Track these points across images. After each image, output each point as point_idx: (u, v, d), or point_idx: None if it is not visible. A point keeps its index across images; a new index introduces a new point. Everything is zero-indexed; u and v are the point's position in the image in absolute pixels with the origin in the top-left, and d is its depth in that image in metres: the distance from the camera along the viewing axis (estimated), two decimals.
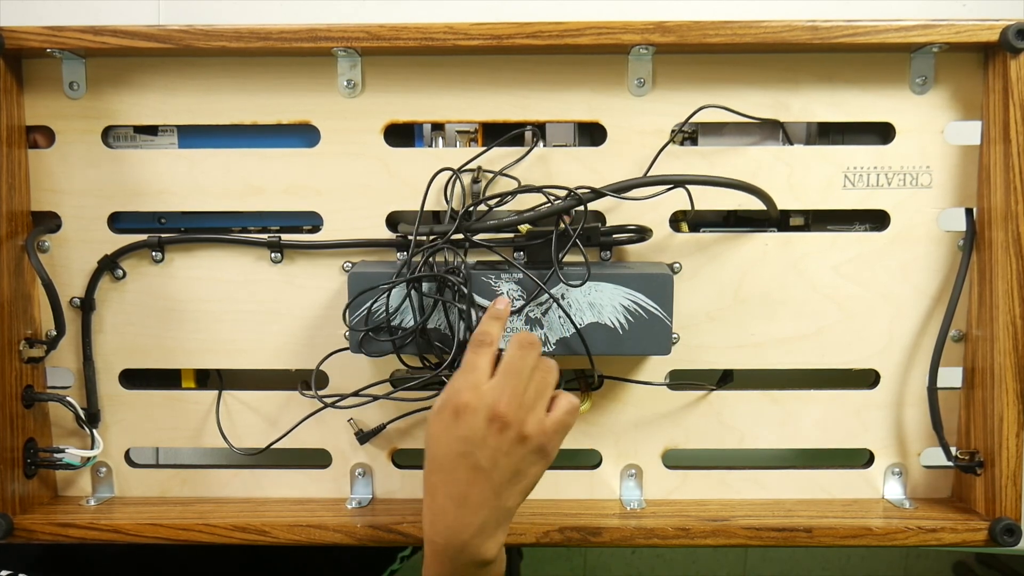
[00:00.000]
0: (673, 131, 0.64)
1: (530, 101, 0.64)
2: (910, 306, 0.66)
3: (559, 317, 0.61)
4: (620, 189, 0.60)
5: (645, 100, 0.64)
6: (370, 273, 0.61)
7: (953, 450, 0.65)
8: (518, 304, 0.60)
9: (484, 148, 0.64)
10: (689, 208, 0.63)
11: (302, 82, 0.64)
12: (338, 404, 0.64)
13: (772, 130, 0.65)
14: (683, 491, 0.68)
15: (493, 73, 0.64)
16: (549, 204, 0.60)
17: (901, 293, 0.65)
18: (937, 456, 0.66)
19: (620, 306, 0.61)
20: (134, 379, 0.68)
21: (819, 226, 0.66)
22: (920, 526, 0.62)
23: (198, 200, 0.65)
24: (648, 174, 0.63)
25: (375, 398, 0.65)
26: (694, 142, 0.65)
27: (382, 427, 0.67)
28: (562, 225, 0.60)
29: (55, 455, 0.65)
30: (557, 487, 0.68)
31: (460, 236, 0.61)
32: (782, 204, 0.64)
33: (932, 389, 0.65)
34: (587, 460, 0.69)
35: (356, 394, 0.64)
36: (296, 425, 0.66)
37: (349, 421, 0.67)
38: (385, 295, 0.59)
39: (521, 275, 0.60)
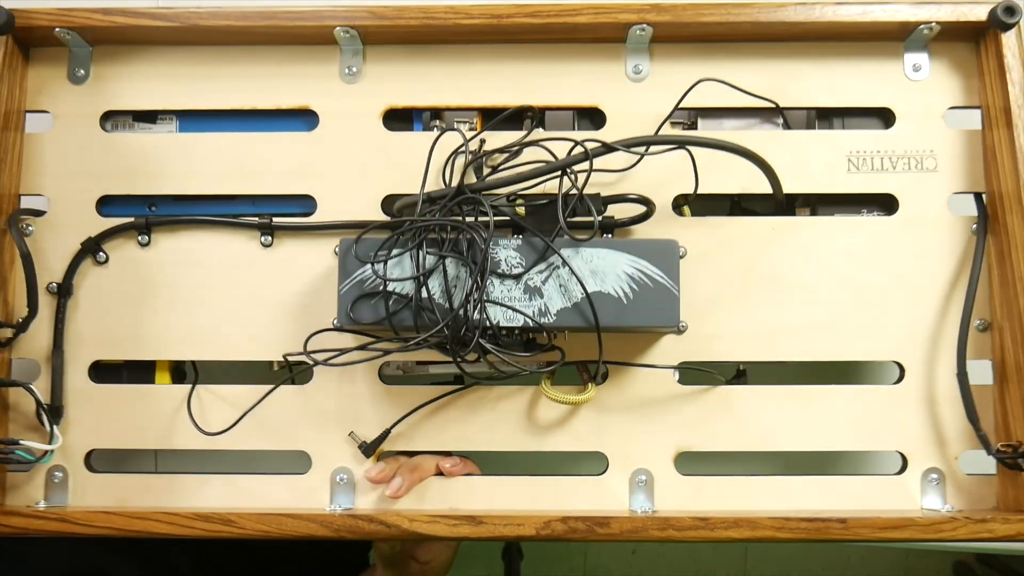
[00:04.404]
0: (674, 119, 0.63)
1: (529, 87, 0.64)
2: (928, 293, 0.62)
3: (560, 286, 0.57)
4: (629, 145, 0.58)
5: (643, 86, 0.64)
6: (365, 240, 0.58)
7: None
8: (517, 271, 0.57)
9: (483, 129, 0.63)
10: (691, 193, 0.62)
11: (304, 69, 0.65)
12: (332, 361, 0.59)
13: (772, 117, 0.65)
14: (699, 501, 0.61)
15: (493, 61, 0.64)
16: (553, 161, 0.59)
17: (917, 279, 0.62)
18: (978, 460, 0.61)
19: (624, 274, 0.58)
20: (105, 373, 0.63)
21: (825, 210, 0.64)
22: (968, 516, 0.55)
23: (192, 183, 0.64)
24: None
25: (384, 351, 0.59)
26: (695, 128, 0.65)
27: (386, 433, 0.62)
28: (567, 182, 0.58)
29: (8, 446, 0.59)
30: (558, 498, 0.61)
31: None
32: (785, 189, 0.63)
33: (962, 374, 0.60)
34: (591, 466, 0.62)
35: (364, 347, 0.59)
36: (280, 382, 0.61)
37: (350, 435, 0.62)
38: (387, 251, 0.56)
39: (519, 242, 0.58)
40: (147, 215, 0.64)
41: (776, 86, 0.64)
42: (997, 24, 0.61)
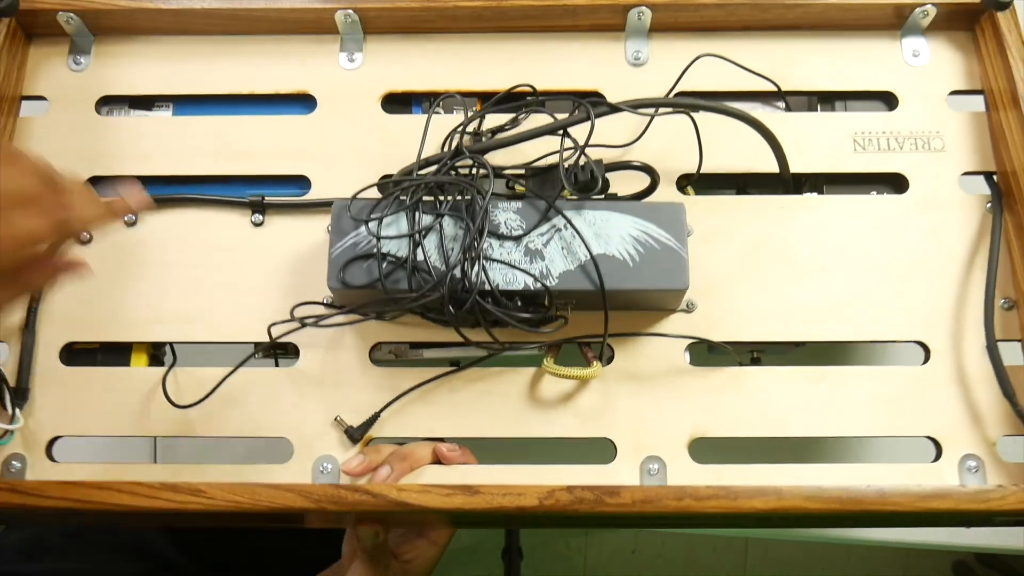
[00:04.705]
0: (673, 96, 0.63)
1: (530, 74, 0.64)
2: (947, 272, 0.59)
3: (562, 248, 0.55)
4: (635, 105, 0.57)
5: (643, 70, 0.64)
6: (359, 203, 0.56)
7: None
8: (516, 233, 0.55)
9: (482, 112, 0.62)
10: (694, 173, 0.61)
11: (304, 58, 0.65)
12: (322, 323, 0.55)
13: (773, 101, 0.64)
14: None
15: (493, 49, 0.64)
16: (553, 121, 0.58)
17: (933, 258, 0.60)
18: (1019, 445, 0.56)
19: (629, 236, 0.55)
20: (79, 356, 0.59)
21: (833, 191, 0.62)
22: (1016, 484, 0.50)
23: (185, 164, 0.62)
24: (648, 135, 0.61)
25: (377, 312, 0.55)
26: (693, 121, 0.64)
27: (375, 417, 0.57)
28: (567, 143, 0.56)
29: None
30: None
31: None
32: (791, 170, 0.61)
33: (991, 347, 0.56)
34: (598, 454, 0.57)
35: (354, 310, 0.55)
36: (260, 349, 0.58)
37: (336, 420, 0.58)
38: (381, 213, 0.54)
39: (519, 204, 0.56)
40: None
41: (776, 73, 0.63)
42: (992, 4, 0.61)
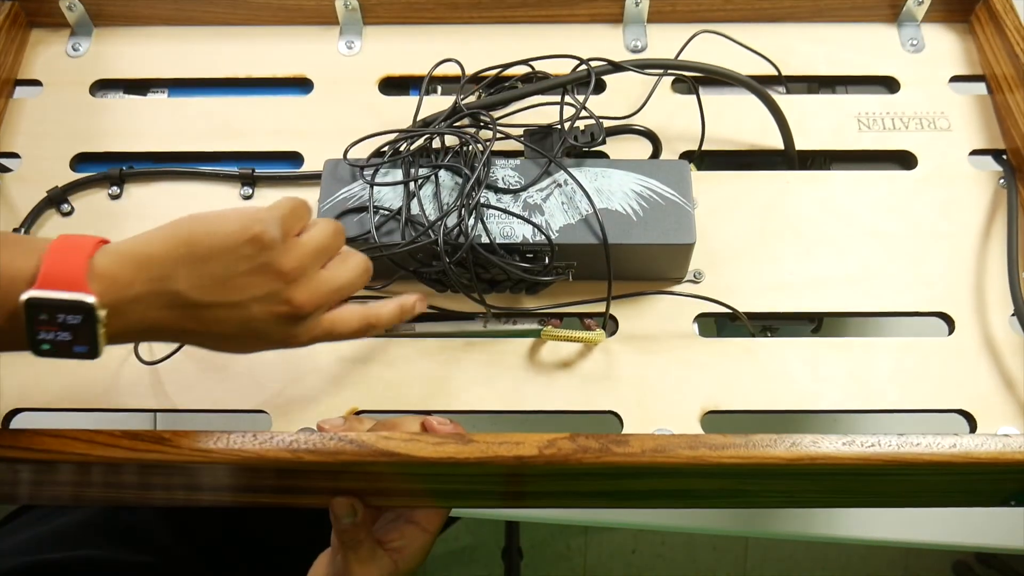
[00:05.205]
0: (672, 68, 0.62)
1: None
2: (963, 245, 0.57)
3: (562, 203, 0.53)
4: (641, 66, 0.56)
5: (642, 55, 0.64)
6: (352, 158, 0.54)
7: None
8: (515, 188, 0.53)
9: (481, 77, 0.62)
10: (695, 149, 0.59)
11: (303, 46, 0.65)
12: None
13: (773, 86, 0.63)
14: None
15: (492, 39, 0.65)
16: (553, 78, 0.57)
17: (948, 231, 0.57)
18: None
19: (632, 192, 0.53)
20: None
21: (840, 168, 0.61)
22: None
23: (176, 141, 0.61)
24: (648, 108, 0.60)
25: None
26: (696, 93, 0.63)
27: None
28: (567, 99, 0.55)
29: None
30: None
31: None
32: (796, 147, 0.60)
33: (1021, 315, 0.53)
34: (603, 429, 0.52)
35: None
36: None
37: None
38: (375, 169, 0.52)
39: (518, 161, 0.54)
40: (122, 167, 0.60)
41: (775, 60, 0.63)
42: None
